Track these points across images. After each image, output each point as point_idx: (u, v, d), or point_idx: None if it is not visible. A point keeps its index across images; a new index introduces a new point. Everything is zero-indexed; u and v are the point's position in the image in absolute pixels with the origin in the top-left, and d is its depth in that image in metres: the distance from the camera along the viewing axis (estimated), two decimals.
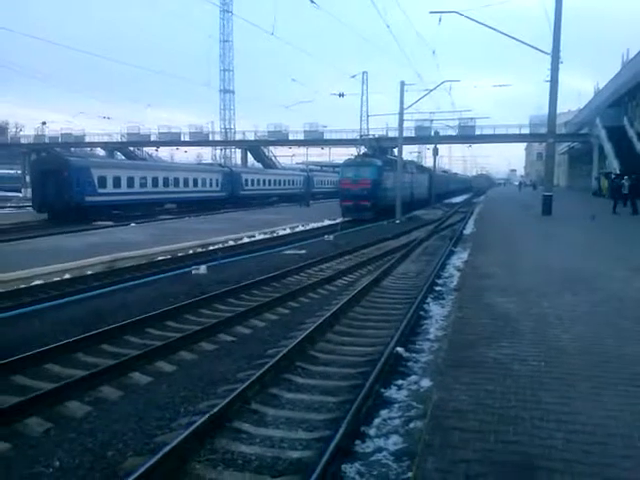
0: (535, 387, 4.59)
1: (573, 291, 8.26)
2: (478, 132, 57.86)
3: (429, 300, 10.44)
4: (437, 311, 9.56)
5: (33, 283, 12.18)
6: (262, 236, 22.16)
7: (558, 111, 24.64)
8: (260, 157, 67.48)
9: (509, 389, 4.55)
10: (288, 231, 24.49)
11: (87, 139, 70.18)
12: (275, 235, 23.01)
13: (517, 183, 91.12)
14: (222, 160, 70.15)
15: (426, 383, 5.99)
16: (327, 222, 29.17)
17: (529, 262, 11.18)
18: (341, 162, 40.02)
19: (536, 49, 22.95)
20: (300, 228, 25.91)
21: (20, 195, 61.68)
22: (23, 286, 11.92)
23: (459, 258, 15.30)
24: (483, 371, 4.98)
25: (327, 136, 64.33)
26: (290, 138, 65.40)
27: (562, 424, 3.91)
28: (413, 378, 6.37)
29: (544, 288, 8.55)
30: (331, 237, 21.71)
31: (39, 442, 5.24)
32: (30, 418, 5.62)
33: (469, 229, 23.56)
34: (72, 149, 63.84)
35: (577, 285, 8.73)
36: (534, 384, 4.66)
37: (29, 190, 40.70)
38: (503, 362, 5.21)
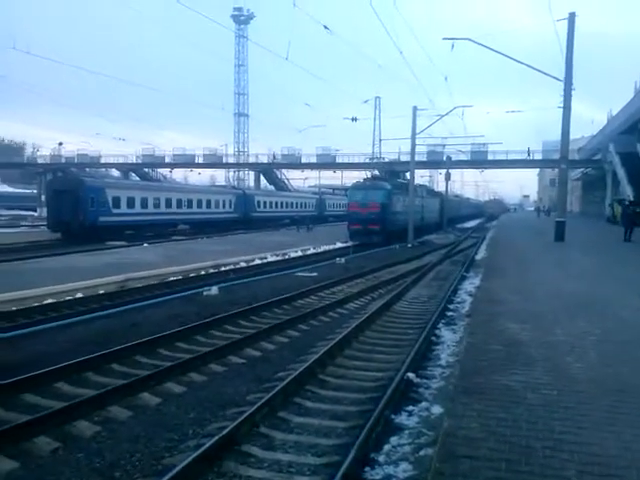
0: (547, 416, 4.53)
1: (586, 318, 8.17)
2: (490, 157, 57.94)
3: (440, 325, 10.37)
4: (449, 337, 9.49)
5: (45, 302, 12.25)
6: (274, 258, 22.20)
7: (571, 137, 24.63)
8: (273, 180, 67.95)
9: (521, 417, 4.49)
10: (300, 253, 24.52)
11: (102, 160, 71.03)
12: (287, 257, 23.04)
13: (532, 209, 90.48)
14: (235, 182, 70.69)
15: (437, 410, 5.93)
16: (339, 245, 29.20)
17: (541, 288, 11.10)
18: None
19: (549, 76, 23.05)
20: (312, 250, 25.93)
21: (35, 214, 62.45)
22: (35, 304, 11.99)
23: (471, 283, 15.23)
24: (495, 398, 4.92)
25: (339, 160, 64.69)
26: (303, 161, 65.86)
27: (575, 454, 3.84)
28: (424, 404, 6.31)
29: (556, 315, 8.47)
30: (343, 260, 21.71)
31: (47, 461, 5.23)
32: (39, 437, 5.62)
33: (481, 254, 23.46)
34: (87, 170, 64.68)
35: (590, 312, 8.64)
36: (546, 413, 4.59)
37: (44, 209, 41.18)
38: (515, 389, 5.15)
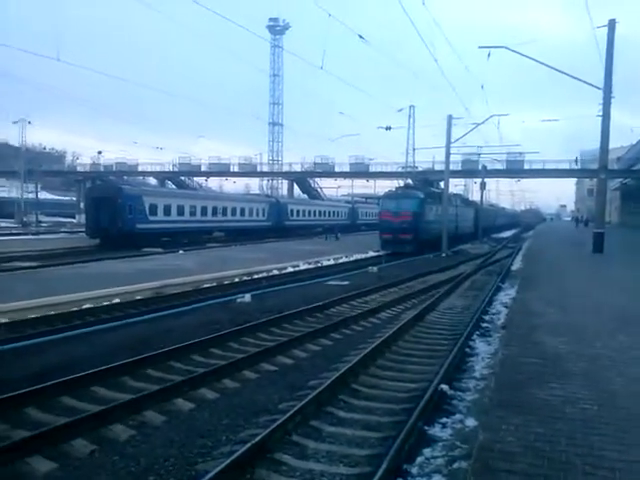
0: (587, 431, 4.41)
1: (626, 332, 7.94)
2: (527, 166, 57.15)
3: (475, 337, 10.21)
4: (483, 348, 9.34)
5: (84, 306, 12.52)
6: (306, 266, 22.25)
7: (610, 146, 24.08)
8: (306, 188, 68.27)
9: (559, 432, 4.38)
10: (332, 262, 24.52)
11: (140, 168, 72.43)
12: (319, 265, 23.06)
13: (570, 219, 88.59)
14: (269, 191, 71.25)
15: (471, 422, 5.84)
16: (371, 254, 29.10)
17: (579, 300, 10.85)
18: None
19: (587, 84, 22.62)
20: (344, 259, 25.90)
21: (74, 221, 63.99)
22: (74, 309, 12.26)
23: (506, 294, 14.98)
24: (532, 412, 4.81)
25: (372, 169, 64.67)
26: (336, 170, 66.02)
27: (617, 472, 3.73)
28: (458, 417, 6.22)
29: (595, 328, 8.26)
30: (375, 269, 21.62)
31: (84, 463, 5.32)
32: (76, 439, 5.72)
33: (517, 265, 23.09)
34: (125, 178, 66.04)
35: (630, 326, 8.40)
36: (586, 428, 4.48)
37: (83, 216, 42.14)
38: (553, 404, 5.03)
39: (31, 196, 65.85)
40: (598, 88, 22.38)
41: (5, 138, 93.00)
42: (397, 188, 34.51)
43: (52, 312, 11.79)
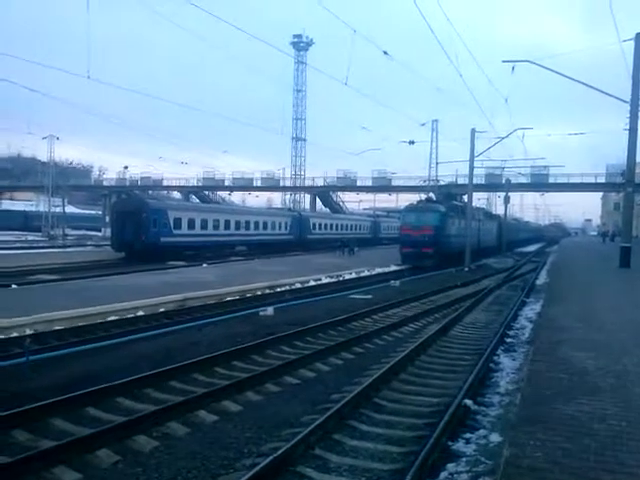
0: (616, 448, 4.31)
1: None
2: (551, 180, 56.57)
3: (499, 352, 10.09)
4: (508, 364, 9.23)
5: (109, 319, 12.66)
6: (328, 279, 22.22)
7: (637, 160, 23.70)
8: (328, 202, 68.39)
9: (588, 448, 4.30)
10: (354, 275, 24.47)
11: (165, 183, 73.43)
12: (341, 279, 23.03)
13: (595, 233, 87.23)
14: (291, 205, 71.50)
15: (496, 438, 5.76)
16: (393, 267, 28.98)
17: (607, 315, 10.65)
18: None
19: (614, 97, 22.37)
20: (366, 273, 25.83)
21: (100, 234, 64.90)
22: (99, 321, 12.40)
23: (531, 309, 14.81)
24: (559, 428, 4.73)
25: (395, 183, 64.55)
26: (358, 184, 66.08)
27: None
28: (482, 432, 6.14)
29: (623, 344, 8.09)
30: (397, 283, 21.52)
31: (108, 474, 5.36)
32: (100, 450, 5.77)
33: (542, 279, 22.81)
34: (150, 192, 66.92)
35: None
36: (615, 445, 4.38)
37: (108, 230, 42.69)
38: (581, 420, 4.94)
39: (58, 210, 67.03)
40: (624, 101, 22.12)
41: (34, 153, 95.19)
42: (418, 202, 34.25)
43: (79, 324, 11.95)
